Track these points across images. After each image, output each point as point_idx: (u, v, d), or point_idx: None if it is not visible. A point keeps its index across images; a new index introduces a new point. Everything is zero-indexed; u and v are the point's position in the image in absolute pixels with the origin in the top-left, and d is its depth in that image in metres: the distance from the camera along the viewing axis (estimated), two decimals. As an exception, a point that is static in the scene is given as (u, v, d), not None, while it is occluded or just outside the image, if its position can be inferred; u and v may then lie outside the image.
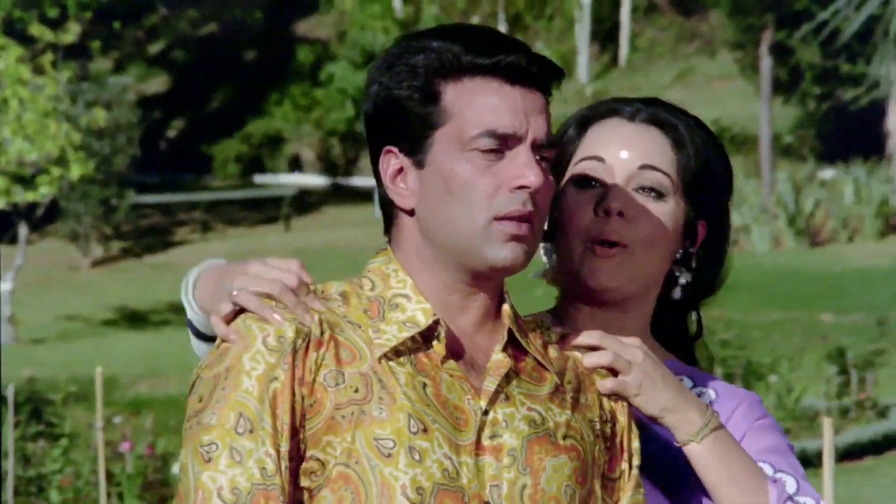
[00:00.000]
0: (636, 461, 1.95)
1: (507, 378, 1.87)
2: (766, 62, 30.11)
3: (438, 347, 1.85)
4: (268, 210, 32.47)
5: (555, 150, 1.86)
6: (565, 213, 2.05)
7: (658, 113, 2.09)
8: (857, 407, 13.12)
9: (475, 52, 1.83)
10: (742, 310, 18.27)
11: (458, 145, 1.83)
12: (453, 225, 1.83)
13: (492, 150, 1.83)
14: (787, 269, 23.23)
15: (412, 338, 1.84)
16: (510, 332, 1.89)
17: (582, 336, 1.96)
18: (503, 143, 1.83)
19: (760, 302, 20.23)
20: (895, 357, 14.29)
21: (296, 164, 37.57)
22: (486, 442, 1.84)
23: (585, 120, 2.11)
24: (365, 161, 35.85)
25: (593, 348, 1.97)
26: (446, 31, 1.86)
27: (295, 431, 1.80)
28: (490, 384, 1.86)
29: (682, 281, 2.09)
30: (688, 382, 2.08)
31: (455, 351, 1.87)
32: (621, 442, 1.94)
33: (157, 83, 40.88)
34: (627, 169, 2.04)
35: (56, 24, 25.80)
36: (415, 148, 1.85)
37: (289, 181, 35.84)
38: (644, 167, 2.04)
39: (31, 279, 26.46)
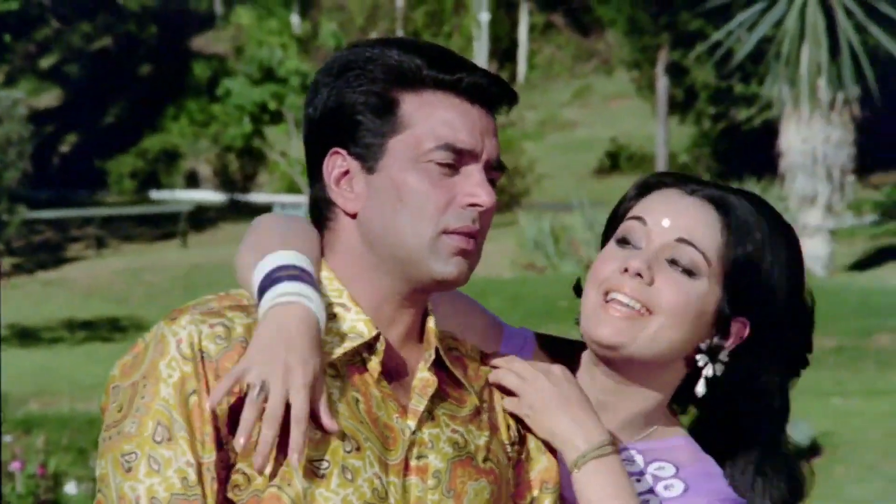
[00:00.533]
0: (550, 488, 1.91)
1: (433, 398, 1.84)
2: (661, 82, 30.44)
3: (374, 363, 1.82)
4: (164, 226, 32.14)
5: (503, 172, 1.85)
6: (596, 264, 2.02)
7: (720, 193, 2.02)
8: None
9: (438, 67, 1.82)
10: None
11: (413, 155, 1.81)
12: (401, 234, 1.81)
13: (447, 164, 1.81)
14: (683, 286, 23.39)
15: (346, 351, 1.80)
16: (437, 350, 1.86)
17: (494, 358, 1.93)
18: (459, 158, 1.82)
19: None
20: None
21: (192, 180, 37.25)
22: (413, 462, 1.81)
23: (647, 185, 2.07)
24: (263, 177, 35.62)
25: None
26: (405, 44, 1.84)
27: (221, 442, 1.74)
28: (418, 403, 1.83)
29: (707, 373, 2.01)
30: (679, 484, 2.00)
31: (384, 366, 1.83)
32: (528, 468, 1.92)
33: (50, 97, 40.32)
34: (664, 238, 1.99)
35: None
36: (365, 153, 1.82)
37: (185, 197, 35.51)
38: (681, 240, 1.99)
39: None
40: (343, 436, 1.76)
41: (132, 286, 24.82)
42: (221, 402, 1.73)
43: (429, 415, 1.83)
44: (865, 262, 23.37)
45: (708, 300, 1.99)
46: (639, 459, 2.02)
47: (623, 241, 2.02)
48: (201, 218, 32.84)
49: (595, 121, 35.91)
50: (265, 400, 1.71)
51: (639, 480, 2.00)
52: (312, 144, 1.85)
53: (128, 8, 40.18)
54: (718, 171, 31.55)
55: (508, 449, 1.90)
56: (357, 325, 1.81)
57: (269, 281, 1.78)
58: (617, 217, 2.06)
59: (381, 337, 1.82)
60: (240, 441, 1.70)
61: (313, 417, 1.73)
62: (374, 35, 39.62)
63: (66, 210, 32.72)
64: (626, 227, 2.03)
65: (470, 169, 1.82)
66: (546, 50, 39.49)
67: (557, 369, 1.92)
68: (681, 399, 2.06)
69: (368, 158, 1.82)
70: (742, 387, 2.04)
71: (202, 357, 1.75)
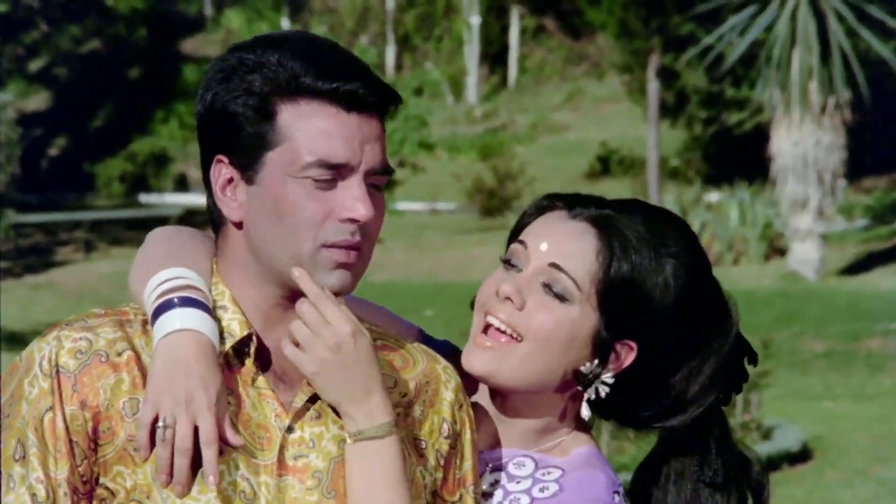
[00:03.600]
0: (470, 484, 1.88)
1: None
2: (652, 85, 30.40)
3: (248, 364, 1.80)
4: (154, 229, 32.09)
5: (389, 176, 1.83)
6: (482, 285, 2.02)
7: (606, 214, 2.00)
8: (741, 428, 13.22)
9: (314, 74, 1.79)
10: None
11: (289, 170, 1.79)
12: (279, 246, 1.80)
13: (324, 180, 1.79)
14: (673, 290, 23.41)
15: (223, 354, 1.79)
16: None
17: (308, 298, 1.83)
18: (336, 172, 1.80)
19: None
20: (779, 378, 14.42)
21: (182, 184, 37.19)
22: (289, 462, 1.79)
23: (541, 208, 2.05)
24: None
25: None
26: (285, 44, 1.80)
27: (83, 456, 1.75)
28: (298, 401, 1.80)
29: (589, 396, 1.99)
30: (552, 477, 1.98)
31: (266, 365, 1.82)
32: (451, 461, 1.88)
33: (39, 100, 40.22)
34: (540, 262, 1.98)
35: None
36: (246, 163, 1.81)
37: (175, 200, 35.45)
38: (553, 265, 1.97)
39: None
40: None
41: (121, 290, 24.73)
42: (79, 419, 1.76)
43: (314, 413, 1.81)
44: (856, 267, 23.35)
45: (581, 325, 1.96)
46: (528, 464, 2.00)
47: (508, 263, 2.01)
48: (190, 222, 32.77)
49: (586, 124, 35.87)
50: (174, 434, 1.72)
51: (518, 482, 1.98)
52: (202, 147, 1.86)
53: (117, 10, 40.11)
54: (709, 175, 31.54)
55: (424, 444, 1.86)
56: (231, 324, 1.81)
57: (160, 307, 1.80)
58: (513, 236, 2.05)
59: (254, 337, 1.81)
60: (162, 479, 1.72)
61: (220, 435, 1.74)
62: (363, 38, 39.51)
63: (54, 214, 32.67)
64: (512, 250, 2.03)
65: (349, 182, 1.80)
66: (537, 53, 39.45)
67: (349, 326, 1.82)
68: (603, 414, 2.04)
69: (248, 169, 1.81)
70: (655, 405, 2.01)
71: (58, 372, 1.78)
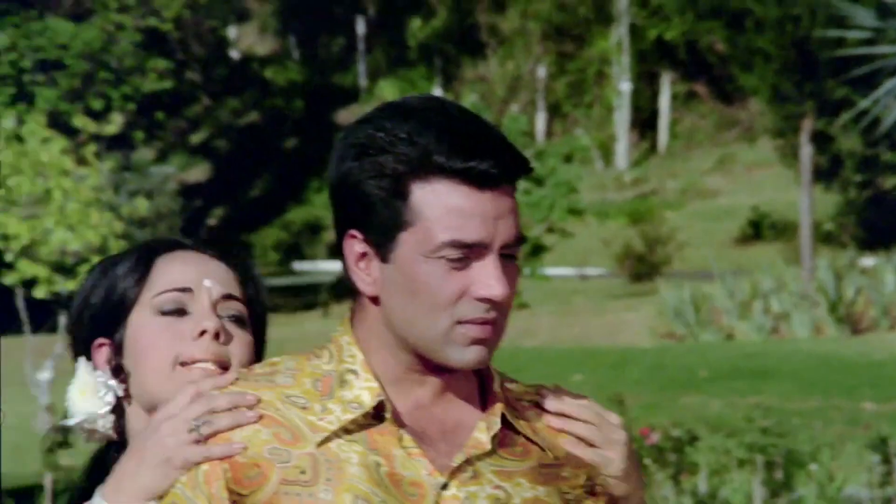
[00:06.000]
0: None
1: (481, 456, 1.84)
2: (806, 150, 30.05)
3: (390, 426, 1.83)
4: (307, 297, 32.50)
5: (522, 244, 1.83)
6: (146, 346, 2.03)
7: (221, 251, 2.13)
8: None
9: (446, 152, 1.79)
10: (782, 397, 18.07)
11: (423, 250, 1.80)
12: (414, 324, 1.81)
13: (458, 259, 1.80)
14: (827, 356, 23.00)
15: (364, 414, 1.82)
16: (503, 416, 1.86)
17: (565, 402, 1.91)
18: (470, 251, 1.80)
19: (801, 389, 20.01)
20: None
21: (335, 252, 37.60)
22: None
23: (153, 252, 2.09)
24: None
25: (565, 413, 1.92)
26: (414, 115, 1.81)
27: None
28: (456, 460, 1.83)
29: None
30: None
31: (410, 425, 1.85)
32: None
33: (199, 172, 41.16)
34: (212, 296, 2.05)
35: (99, 116, 26.09)
36: (380, 241, 1.82)
37: (328, 268, 35.90)
38: (227, 297, 2.06)
39: (71, 368, 26.43)
40: (355, 499, 1.78)
41: (275, 356, 25.09)
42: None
43: (472, 472, 1.82)
44: None
45: (251, 346, 2.08)
46: None
47: (174, 312, 2.05)
48: (343, 288, 33.09)
49: (737, 189, 35.54)
50: None
51: None
52: (335, 217, 1.88)
53: (275, 83, 40.98)
54: (864, 239, 30.98)
55: (570, 498, 1.88)
56: (362, 394, 1.83)
57: None
58: (123, 302, 2.06)
59: (388, 404, 1.83)
60: None
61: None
62: (514, 106, 39.61)
63: (212, 282, 33.25)
64: (172, 299, 2.05)
65: (484, 261, 1.80)
66: (688, 119, 39.27)
67: (619, 420, 1.93)
68: None
69: (381, 246, 1.82)
70: None
71: None
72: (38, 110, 26.95)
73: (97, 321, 2.08)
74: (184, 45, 39.23)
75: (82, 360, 2.11)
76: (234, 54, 43.43)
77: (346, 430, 1.82)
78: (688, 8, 36.52)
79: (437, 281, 1.79)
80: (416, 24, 40.36)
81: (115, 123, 24.39)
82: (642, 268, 29.09)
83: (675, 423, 10.19)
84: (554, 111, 39.46)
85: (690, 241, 30.35)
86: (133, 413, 2.06)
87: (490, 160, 1.78)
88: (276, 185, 39.34)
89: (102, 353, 2.09)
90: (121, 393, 2.06)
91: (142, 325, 2.05)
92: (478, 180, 1.78)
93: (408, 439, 1.83)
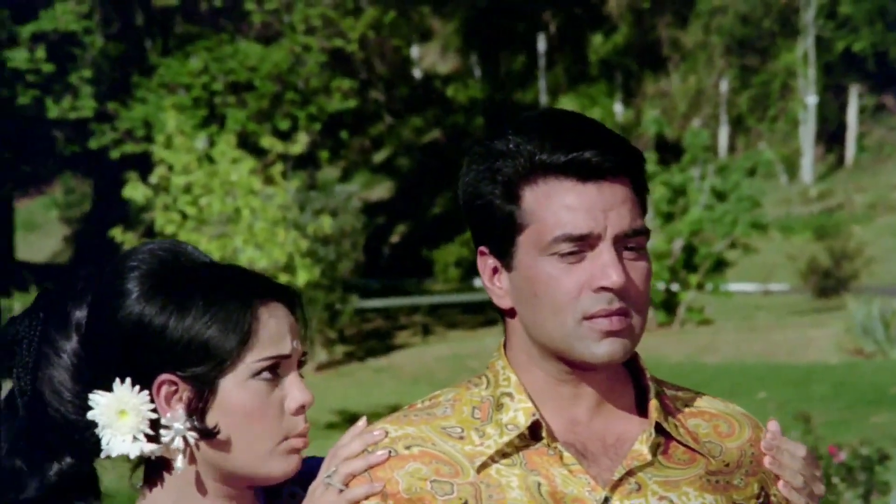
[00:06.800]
0: None
1: (644, 467, 1.84)
2: None
3: (548, 444, 1.84)
4: (487, 313, 32.58)
5: (645, 236, 1.83)
6: (249, 415, 1.94)
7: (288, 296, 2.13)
8: None
9: (549, 150, 1.82)
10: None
11: (538, 250, 1.83)
12: (545, 327, 1.84)
13: (571, 253, 1.82)
14: None
15: (520, 435, 1.84)
16: (657, 424, 1.86)
17: (785, 442, 1.91)
18: (582, 244, 1.82)
19: None
20: None
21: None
22: None
23: (251, 294, 2.08)
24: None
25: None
26: (528, 125, 1.85)
27: None
28: (617, 474, 1.83)
29: None
30: None
31: (569, 442, 1.85)
32: None
33: (382, 190, 41.67)
34: (298, 359, 2.02)
35: (286, 136, 26.59)
36: (503, 250, 1.86)
37: (509, 285, 35.91)
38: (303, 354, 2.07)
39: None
40: None
41: (456, 372, 25.24)
42: None
43: (634, 484, 1.83)
44: None
45: None
46: None
47: (269, 379, 2.01)
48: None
49: (928, 203, 34.61)
50: None
51: None
52: (472, 235, 1.92)
53: (456, 101, 41.27)
54: None
55: None
56: (517, 415, 1.85)
57: None
58: (220, 356, 1.97)
59: (543, 422, 1.84)
60: None
61: None
62: (696, 121, 39.14)
63: (395, 298, 33.59)
64: (267, 367, 2.02)
65: (597, 251, 1.81)
66: (876, 132, 38.40)
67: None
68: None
69: (505, 255, 1.86)
70: None
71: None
72: (228, 131, 27.58)
73: (169, 355, 1.89)
74: (368, 65, 39.79)
75: (126, 384, 1.89)
76: (417, 73, 43.87)
77: (504, 454, 1.83)
78: (877, 19, 35.71)
79: (555, 278, 1.81)
80: (597, 39, 40.25)
81: (301, 143, 24.84)
82: (828, 283, 28.53)
83: (864, 442, 9.96)
84: (737, 125, 38.96)
85: (879, 256, 29.64)
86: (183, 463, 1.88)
87: (591, 151, 1.80)
88: (457, 202, 39.49)
89: (170, 390, 1.90)
90: (192, 441, 1.89)
91: (237, 386, 1.92)
92: (582, 173, 1.81)
93: (568, 457, 1.84)
